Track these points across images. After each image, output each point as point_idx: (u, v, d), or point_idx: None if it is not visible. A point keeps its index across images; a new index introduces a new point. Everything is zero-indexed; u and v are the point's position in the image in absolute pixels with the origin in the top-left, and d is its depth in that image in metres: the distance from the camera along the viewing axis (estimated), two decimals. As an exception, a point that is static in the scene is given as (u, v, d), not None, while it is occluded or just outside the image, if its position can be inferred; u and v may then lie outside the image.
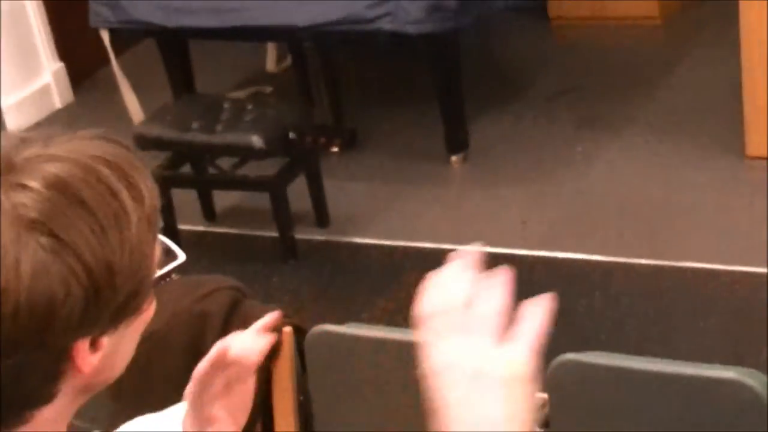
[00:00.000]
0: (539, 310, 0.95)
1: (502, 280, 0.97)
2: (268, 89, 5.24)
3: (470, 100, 4.52)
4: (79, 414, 2.92)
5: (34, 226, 0.88)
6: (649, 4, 5.26)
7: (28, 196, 0.89)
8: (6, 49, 5.23)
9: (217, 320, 2.56)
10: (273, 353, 2.58)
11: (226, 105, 4.32)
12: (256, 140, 4.04)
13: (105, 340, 0.94)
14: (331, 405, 2.52)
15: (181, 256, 1.05)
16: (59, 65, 5.55)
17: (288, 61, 5.21)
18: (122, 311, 0.94)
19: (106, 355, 0.95)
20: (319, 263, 4.12)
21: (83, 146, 0.95)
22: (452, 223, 4.16)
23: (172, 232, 4.26)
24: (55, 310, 0.88)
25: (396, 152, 4.66)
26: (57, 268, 0.88)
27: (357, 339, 2.46)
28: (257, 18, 4.35)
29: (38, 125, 5.37)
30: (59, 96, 5.54)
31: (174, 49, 4.86)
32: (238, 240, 4.32)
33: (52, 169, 0.91)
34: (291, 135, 4.15)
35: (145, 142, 4.23)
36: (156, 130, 4.23)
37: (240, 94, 5.07)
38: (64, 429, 1.00)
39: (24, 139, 0.94)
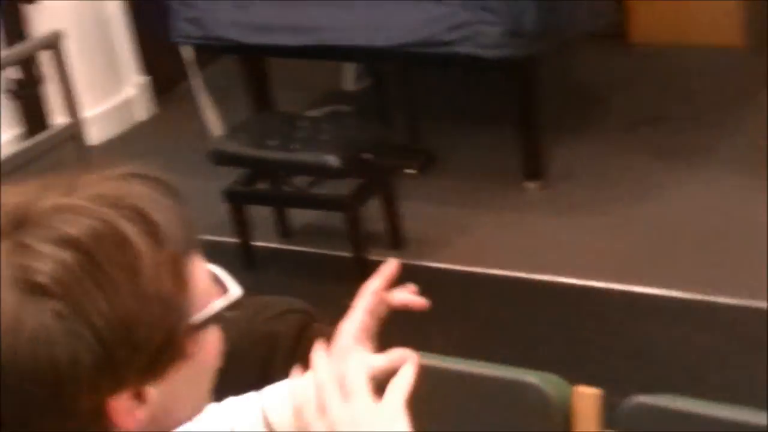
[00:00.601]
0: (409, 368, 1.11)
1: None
2: (346, 108, 5.25)
3: (548, 125, 4.49)
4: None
5: (41, 291, 0.85)
6: (733, 30, 5.18)
7: (38, 259, 0.86)
8: (92, 61, 5.30)
9: (286, 341, 2.56)
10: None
11: (303, 123, 4.33)
12: (332, 160, 4.05)
13: (151, 391, 0.91)
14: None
15: (234, 292, 1.02)
16: (144, 78, 5.62)
17: (366, 81, 5.22)
18: (156, 362, 0.91)
19: (159, 403, 0.92)
20: (391, 284, 4.09)
21: (107, 190, 0.92)
22: (525, 251, 4.12)
23: (245, 248, 4.29)
24: (63, 376, 0.86)
25: (472, 176, 4.63)
26: (64, 334, 0.85)
27: (438, 372, 2.43)
28: (336, 38, 4.37)
29: (121, 138, 5.45)
30: (142, 109, 5.61)
31: (253, 66, 4.90)
32: (312, 258, 4.32)
33: (66, 228, 0.88)
34: (367, 155, 4.15)
35: (221, 158, 4.27)
36: (233, 146, 4.26)
37: (317, 112, 5.08)
38: None
39: (46, 186, 0.91)
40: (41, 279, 0.85)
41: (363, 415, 1.11)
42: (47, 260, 0.86)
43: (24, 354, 0.84)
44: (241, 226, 4.28)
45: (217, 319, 0.97)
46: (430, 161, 4.74)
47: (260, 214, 4.38)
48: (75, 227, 0.87)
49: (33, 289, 0.85)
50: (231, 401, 1.33)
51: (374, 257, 4.20)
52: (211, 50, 4.97)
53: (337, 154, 4.06)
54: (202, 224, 4.36)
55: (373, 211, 4.22)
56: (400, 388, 1.14)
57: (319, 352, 1.23)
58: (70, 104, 3.46)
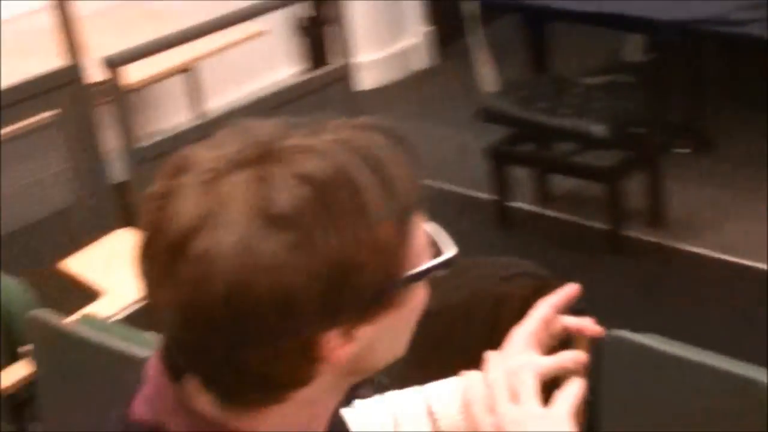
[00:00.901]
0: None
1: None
2: (626, 79, 5.12)
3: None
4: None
5: (280, 220, 0.88)
6: None
7: (278, 190, 0.89)
8: (378, 7, 5.40)
9: (515, 303, 2.54)
10: (568, 349, 2.53)
11: (576, 89, 4.26)
12: (598, 129, 3.96)
13: (363, 331, 0.94)
14: (617, 414, 2.44)
15: (450, 252, 1.01)
16: (428, 28, 5.67)
17: (650, 54, 5.06)
18: (370, 307, 0.93)
19: (366, 344, 0.95)
20: (645, 264, 4.00)
21: (349, 137, 0.94)
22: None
23: (501, 208, 4.28)
24: (293, 304, 0.89)
25: (747, 162, 4.43)
26: (297, 264, 0.88)
27: (652, 352, 2.35)
28: (620, 7, 4.25)
29: (396, 84, 5.53)
30: (422, 58, 5.67)
31: (534, 28, 4.84)
32: (568, 226, 4.26)
33: (306, 165, 0.90)
34: (637, 129, 4.04)
35: (488, 115, 4.25)
36: (501, 105, 4.24)
37: (597, 80, 4.98)
38: (331, 404, 1.02)
39: (290, 126, 0.95)
40: (279, 210, 0.88)
41: (530, 418, 1.13)
42: (286, 194, 0.89)
43: (259, 282, 0.87)
44: (500, 185, 4.27)
45: (429, 275, 0.98)
46: (704, 143, 4.56)
47: (520, 176, 4.35)
48: (315, 167, 0.90)
49: (271, 219, 0.88)
50: (394, 393, 1.34)
51: (631, 233, 4.10)
52: (494, 8, 4.95)
53: (605, 124, 3.97)
54: (461, 178, 4.44)
55: (637, 187, 4.11)
56: (570, 397, 1.15)
57: (492, 353, 1.25)
58: (344, 46, 3.53)
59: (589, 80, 4.86)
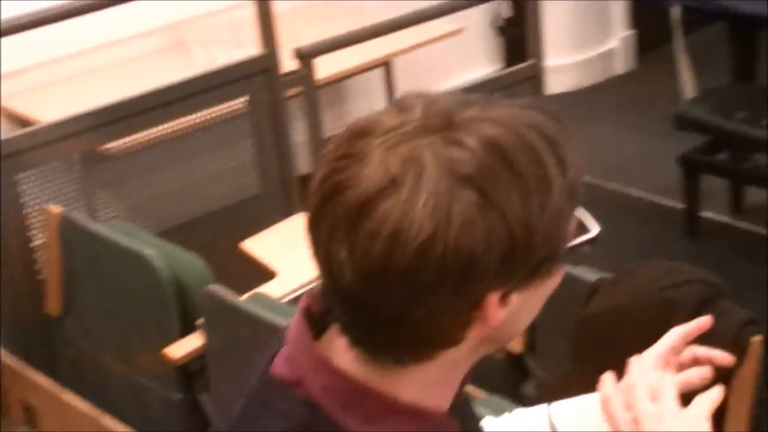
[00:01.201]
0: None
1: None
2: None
3: None
4: (538, 361, 2.96)
5: (466, 181, 0.93)
6: None
7: (464, 152, 0.94)
8: (581, 9, 5.36)
9: (684, 310, 2.49)
10: (738, 360, 2.47)
11: (777, 99, 4.12)
12: (799, 141, 3.83)
13: (514, 297, 0.99)
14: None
15: (594, 230, 1.04)
16: (629, 32, 5.60)
17: None
18: (534, 272, 0.98)
19: (512, 312, 0.99)
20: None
21: (519, 114, 0.99)
22: None
23: (692, 217, 4.18)
24: (476, 261, 0.93)
25: None
26: (482, 223, 0.93)
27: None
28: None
29: (594, 87, 5.48)
30: (622, 62, 5.60)
31: (742, 35, 4.71)
32: (759, 239, 4.13)
33: (488, 131, 0.95)
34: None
35: (684, 122, 4.17)
36: (698, 112, 4.15)
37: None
38: (462, 374, 1.07)
39: (466, 100, 0.99)
40: (468, 170, 0.93)
41: (668, 416, 1.16)
42: (473, 155, 0.94)
43: (448, 239, 0.92)
44: (692, 194, 4.18)
45: (578, 249, 1.03)
46: None
47: (713, 186, 4.25)
48: (497, 133, 0.95)
49: (460, 179, 0.93)
50: (521, 411, 1.37)
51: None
52: (700, 13, 4.84)
53: (806, 137, 3.83)
54: (652, 185, 4.37)
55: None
56: (708, 400, 1.19)
57: (633, 359, 1.30)
58: (535, 46, 3.52)
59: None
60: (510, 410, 1.42)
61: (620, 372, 2.71)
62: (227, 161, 3.78)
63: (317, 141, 3.44)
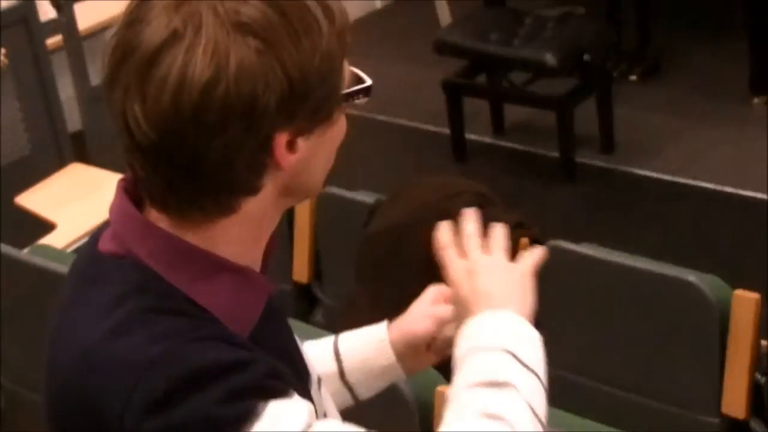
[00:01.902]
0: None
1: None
2: (581, 10, 5.18)
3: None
4: (325, 290, 3.04)
5: (243, 28, 1.03)
6: None
7: (240, 4, 1.04)
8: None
9: (459, 219, 2.62)
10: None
11: (527, 20, 4.32)
12: (549, 58, 4.03)
13: (301, 143, 1.08)
14: (559, 321, 2.53)
15: (368, 81, 1.15)
16: (384, -34, 5.72)
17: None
18: (315, 114, 1.08)
19: (302, 159, 1.08)
20: (595, 189, 4.10)
21: None
22: (740, 166, 4.01)
23: (458, 140, 4.35)
24: (256, 98, 1.03)
25: (697, 87, 4.52)
26: (259, 64, 1.03)
27: (588, 259, 2.45)
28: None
29: (359, 22, 5.57)
30: (379, -3, 5.73)
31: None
32: (521, 155, 4.35)
33: None
34: (586, 57, 4.11)
35: (443, 48, 4.31)
36: (455, 37, 4.30)
37: (552, 12, 5.03)
38: (269, 230, 1.14)
39: None
40: (247, 20, 1.03)
41: (499, 267, 1.23)
42: (249, 6, 1.04)
43: (230, 80, 1.01)
44: (456, 117, 4.34)
45: (355, 99, 1.13)
46: (654, 69, 4.64)
47: (477, 109, 4.42)
48: None
49: (241, 26, 1.03)
50: (309, 342, 1.41)
51: (583, 160, 4.19)
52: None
53: (555, 53, 4.04)
54: (419, 112, 4.50)
55: (588, 114, 4.19)
56: (533, 257, 1.26)
57: (470, 212, 1.33)
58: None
59: (545, 12, 4.93)
60: (304, 332, 1.46)
61: (403, 287, 2.83)
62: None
63: (86, 93, 3.40)
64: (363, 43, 5.84)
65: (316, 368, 1.29)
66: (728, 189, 3.92)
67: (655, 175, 4.09)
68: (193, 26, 1.03)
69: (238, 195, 1.07)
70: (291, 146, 1.07)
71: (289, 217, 2.82)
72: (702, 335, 2.27)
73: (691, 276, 2.29)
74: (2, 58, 3.45)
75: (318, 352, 1.37)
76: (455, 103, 4.32)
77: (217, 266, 1.09)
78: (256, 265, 1.14)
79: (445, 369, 2.08)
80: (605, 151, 4.21)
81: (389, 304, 2.77)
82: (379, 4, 5.73)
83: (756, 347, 2.23)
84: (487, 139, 4.45)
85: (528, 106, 4.36)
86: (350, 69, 1.12)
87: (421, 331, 1.38)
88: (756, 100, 4.34)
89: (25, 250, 2.59)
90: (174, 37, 1.02)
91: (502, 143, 4.44)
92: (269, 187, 1.08)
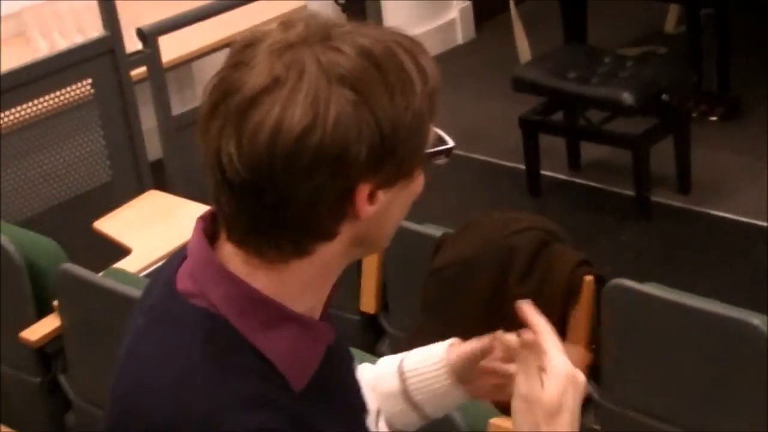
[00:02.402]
0: None
1: None
2: (662, 50, 5.17)
3: None
4: (391, 321, 3.06)
5: (342, 80, 1.08)
6: None
7: (341, 57, 1.09)
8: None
9: (524, 256, 2.64)
10: (573, 299, 2.63)
11: (606, 59, 4.32)
12: (627, 97, 4.03)
13: (381, 195, 1.12)
14: (617, 359, 2.53)
15: (450, 143, 1.18)
16: (466, 4, 5.76)
17: (684, 24, 5.11)
18: (399, 168, 1.11)
19: (380, 211, 1.12)
20: (669, 228, 4.07)
21: (387, 31, 1.15)
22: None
23: (534, 175, 4.36)
24: (348, 148, 1.07)
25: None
26: (355, 116, 1.08)
27: (652, 298, 2.44)
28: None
29: (439, 58, 5.61)
30: (462, 32, 5.76)
31: (573, 0, 4.90)
32: (596, 192, 4.34)
33: (362, 41, 1.11)
34: (664, 97, 4.10)
35: (521, 85, 4.34)
36: (533, 74, 4.32)
37: (633, 51, 5.04)
38: (335, 276, 1.18)
39: (343, 20, 1.16)
40: (344, 72, 1.08)
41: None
42: (349, 59, 1.09)
43: (325, 128, 1.06)
44: (532, 153, 4.35)
45: (435, 157, 1.16)
46: (734, 109, 4.61)
47: (554, 145, 4.43)
48: (369, 43, 1.11)
49: (338, 78, 1.08)
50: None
51: (658, 199, 4.17)
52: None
53: (633, 92, 4.03)
54: (496, 148, 4.53)
55: (666, 154, 4.17)
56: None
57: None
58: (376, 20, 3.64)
59: (627, 51, 4.93)
60: (370, 361, 1.48)
61: (467, 319, 2.85)
62: (78, 150, 3.75)
63: (167, 123, 3.47)
64: (443, 79, 5.93)
65: (383, 386, 1.35)
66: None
67: (731, 216, 4.05)
68: (295, 74, 1.07)
69: (315, 239, 1.11)
70: (372, 197, 1.11)
71: (357, 248, 2.86)
72: (765, 377, 2.25)
73: (755, 319, 2.27)
74: (88, 87, 3.54)
75: (384, 369, 1.40)
76: (531, 140, 4.34)
77: (283, 315, 1.13)
78: (318, 309, 1.18)
79: (501, 402, 2.09)
80: (682, 191, 4.19)
81: (452, 336, 2.81)
82: (460, 40, 5.77)
83: (818, 392, 2.21)
84: (563, 176, 4.46)
85: (604, 144, 4.35)
86: (434, 129, 1.17)
87: (478, 345, 1.38)
88: (837, 143, 4.29)
89: (100, 274, 2.66)
90: (276, 83, 1.07)
91: (578, 180, 4.44)
92: (344, 234, 1.12)
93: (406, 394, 1.39)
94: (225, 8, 3.49)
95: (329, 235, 1.11)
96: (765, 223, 3.97)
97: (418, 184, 1.16)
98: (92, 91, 3.57)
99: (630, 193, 4.17)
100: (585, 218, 4.17)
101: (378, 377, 1.39)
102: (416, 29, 5.58)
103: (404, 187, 1.13)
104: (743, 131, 4.52)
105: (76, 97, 3.59)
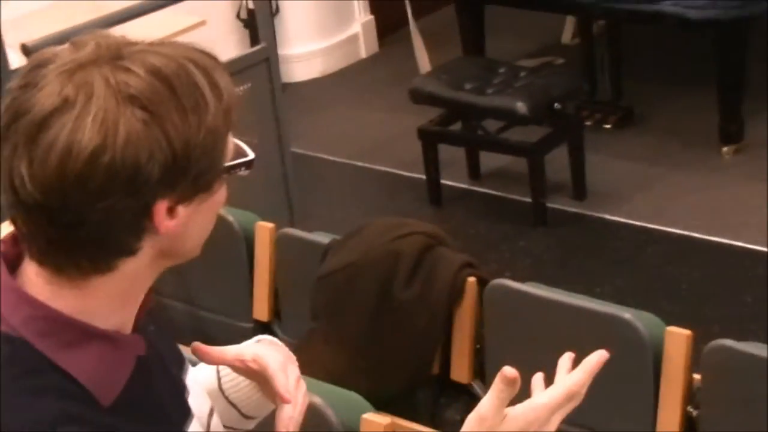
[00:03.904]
0: None
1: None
2: (560, 61, 5.29)
3: (751, 92, 4.39)
4: (284, 329, 3.09)
5: (133, 100, 1.07)
6: None
7: (131, 77, 1.08)
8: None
9: (408, 260, 2.70)
10: (457, 301, 2.69)
11: (502, 70, 4.42)
12: (520, 106, 4.12)
13: (181, 210, 1.12)
14: (502, 357, 2.59)
15: (250, 155, 1.19)
16: (369, 18, 5.84)
17: (578, 36, 5.23)
18: (196, 184, 1.12)
19: (181, 224, 1.13)
20: (566, 234, 4.17)
21: (180, 49, 1.15)
22: (709, 214, 4.08)
23: (435, 185, 4.43)
24: (140, 168, 1.07)
25: (668, 135, 4.61)
26: (145, 135, 1.07)
27: (530, 297, 2.51)
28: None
29: (343, 72, 5.69)
30: (365, 47, 5.83)
31: (470, 14, 4.99)
32: (495, 201, 4.43)
33: (153, 60, 1.10)
34: (556, 106, 4.20)
35: (419, 96, 4.41)
36: (430, 86, 4.40)
37: (531, 62, 5.14)
38: (144, 290, 1.19)
39: (132, 41, 1.15)
40: (136, 93, 1.07)
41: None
42: (139, 79, 1.08)
43: (116, 147, 1.06)
44: (432, 163, 4.42)
45: (237, 170, 1.18)
46: (627, 118, 4.74)
47: (456, 155, 4.50)
48: (161, 63, 1.10)
49: (127, 98, 1.07)
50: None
51: (555, 205, 4.26)
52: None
53: (526, 101, 4.13)
54: (396, 159, 4.59)
55: (563, 162, 4.27)
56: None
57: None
58: (264, 30, 3.69)
59: (525, 63, 5.03)
60: None
61: (355, 325, 2.88)
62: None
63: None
64: (346, 92, 6.02)
65: (206, 384, 1.35)
66: (696, 235, 3.99)
67: (624, 220, 4.16)
68: (84, 95, 1.07)
69: (115, 255, 1.11)
70: (171, 213, 1.11)
71: (249, 256, 2.89)
72: (637, 370, 2.33)
73: (627, 313, 2.35)
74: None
75: (208, 369, 1.40)
76: (431, 150, 4.41)
77: (86, 333, 1.13)
78: (128, 321, 1.18)
79: (372, 396, 2.14)
80: (577, 197, 4.29)
81: (341, 341, 2.86)
82: (363, 54, 5.84)
83: (688, 381, 2.29)
84: (463, 185, 4.54)
85: (501, 153, 4.44)
86: (235, 142, 1.17)
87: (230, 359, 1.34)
88: (725, 149, 4.42)
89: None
90: (65, 104, 1.07)
91: (478, 189, 4.52)
92: (146, 249, 1.12)
93: (222, 392, 1.40)
94: (118, 21, 3.48)
95: (130, 252, 1.11)
96: (657, 226, 4.08)
97: (219, 196, 1.16)
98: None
99: (528, 200, 4.26)
100: (485, 226, 4.25)
101: (205, 376, 1.39)
102: (320, 44, 5.65)
103: (205, 201, 1.14)
104: (636, 139, 4.65)
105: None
